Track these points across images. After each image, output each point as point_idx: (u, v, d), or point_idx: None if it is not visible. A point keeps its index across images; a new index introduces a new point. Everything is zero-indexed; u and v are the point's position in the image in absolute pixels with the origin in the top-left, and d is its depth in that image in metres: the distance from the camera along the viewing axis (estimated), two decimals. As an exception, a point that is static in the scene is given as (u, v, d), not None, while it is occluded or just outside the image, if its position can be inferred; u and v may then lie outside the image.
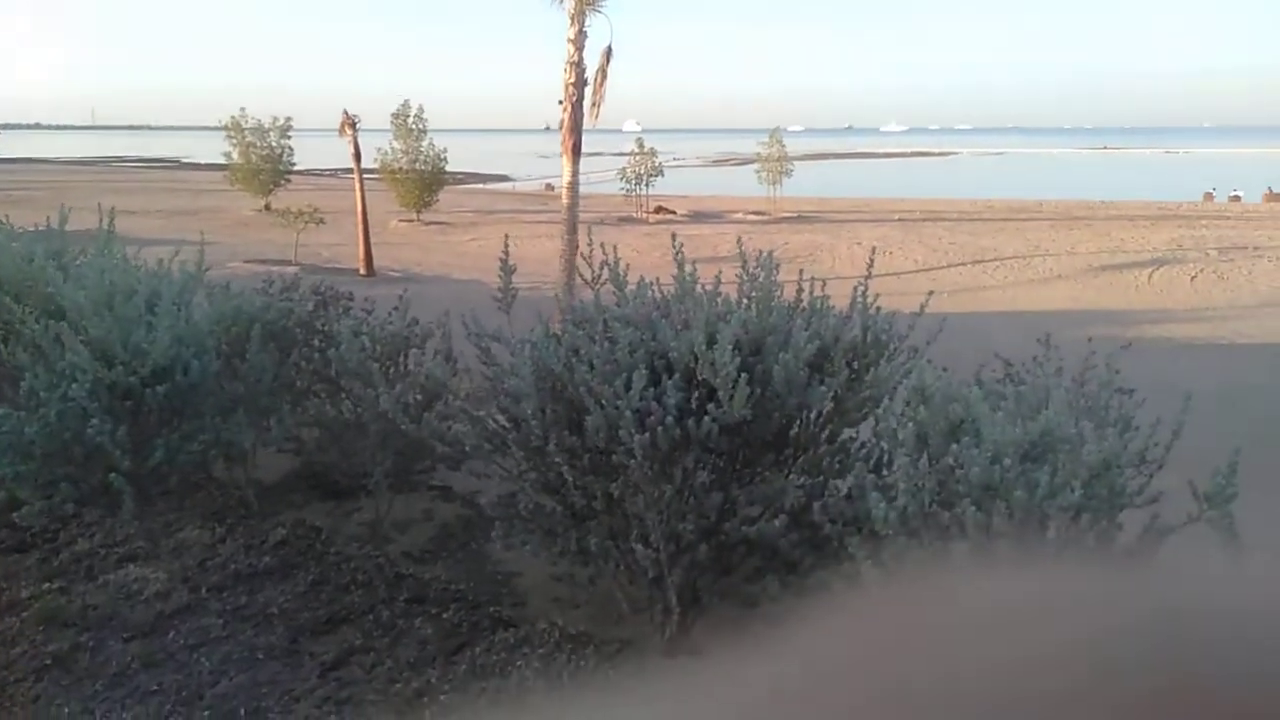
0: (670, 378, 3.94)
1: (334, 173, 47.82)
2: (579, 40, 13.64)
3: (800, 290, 4.41)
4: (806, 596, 3.89)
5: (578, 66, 13.67)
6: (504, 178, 59.56)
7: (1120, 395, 3.76)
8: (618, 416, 3.88)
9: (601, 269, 4.54)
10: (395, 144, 28.01)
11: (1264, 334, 14.62)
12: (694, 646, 4.24)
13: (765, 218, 31.39)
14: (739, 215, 32.10)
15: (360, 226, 19.56)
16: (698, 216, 31.72)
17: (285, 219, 20.94)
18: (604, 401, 3.94)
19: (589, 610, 4.66)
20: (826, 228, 28.76)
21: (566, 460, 4.11)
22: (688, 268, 4.38)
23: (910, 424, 3.54)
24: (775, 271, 4.28)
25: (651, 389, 3.89)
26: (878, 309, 4.31)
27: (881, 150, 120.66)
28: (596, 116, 14.19)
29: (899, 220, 30.97)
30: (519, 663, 4.01)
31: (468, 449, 4.54)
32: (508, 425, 4.39)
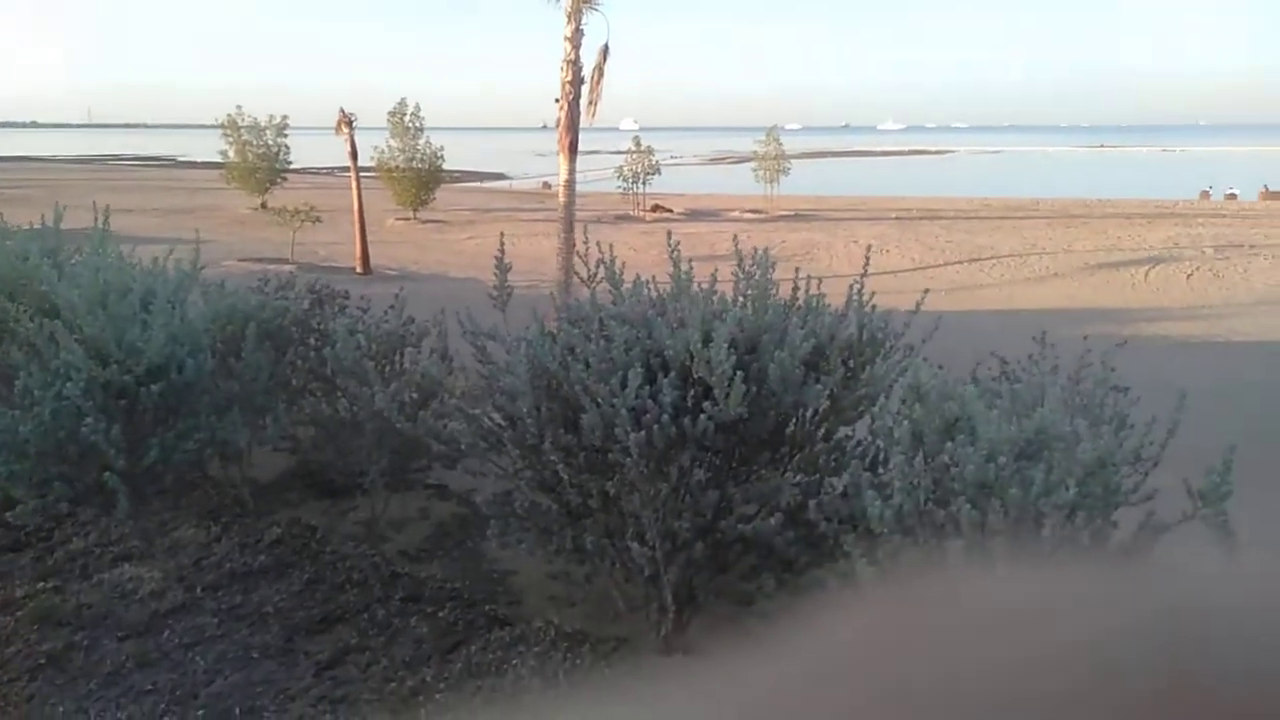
0: (666, 376, 3.94)
1: (331, 171, 47.77)
2: (575, 38, 13.63)
3: (796, 288, 4.41)
4: (802, 594, 3.89)
5: (574, 65, 13.66)
6: (501, 176, 59.53)
7: (1115, 393, 3.76)
8: (613, 415, 3.88)
9: (597, 267, 4.54)
10: (392, 142, 27.97)
11: (1260, 332, 14.64)
12: (690, 645, 4.24)
13: (762, 216, 31.38)
14: (736, 213, 32.09)
15: (357, 225, 19.53)
16: (695, 215, 31.71)
17: (281, 217, 20.90)
18: (599, 400, 3.94)
19: (585, 608, 4.66)
20: (823, 226, 28.76)
21: (562, 458, 4.11)
22: (684, 266, 4.38)
23: (905, 422, 3.54)
24: (771, 270, 4.28)
25: (647, 387, 3.89)
26: (873, 307, 4.31)
27: (878, 148, 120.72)
28: (593, 115, 14.18)
29: (896, 218, 30.99)
30: (514, 661, 4.01)
31: (463, 447, 4.54)
32: (503, 423, 4.38)
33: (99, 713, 3.74)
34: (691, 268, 4.40)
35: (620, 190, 33.48)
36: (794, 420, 4.27)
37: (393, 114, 27.87)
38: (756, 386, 3.94)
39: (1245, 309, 16.55)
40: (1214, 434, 4.03)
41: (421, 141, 28.13)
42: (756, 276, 4.24)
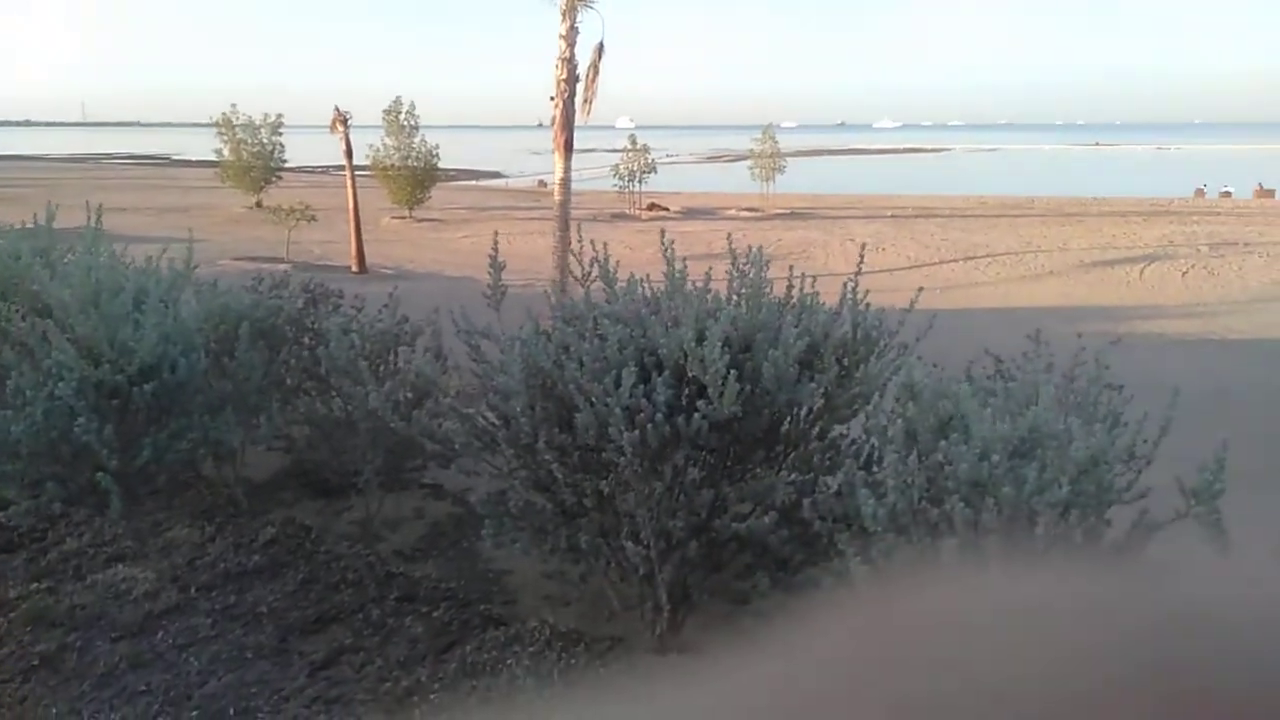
0: (660, 375, 3.93)
1: (326, 170, 47.69)
2: (570, 36, 13.62)
3: (790, 287, 4.41)
4: (797, 593, 3.89)
5: (569, 63, 13.65)
6: (497, 174, 59.48)
7: (1109, 391, 3.76)
8: (607, 414, 3.87)
9: (591, 266, 4.53)
10: (387, 141, 27.93)
11: (1255, 329, 14.68)
12: (685, 644, 4.24)
13: (758, 214, 31.39)
14: (732, 212, 32.09)
15: (352, 223, 19.50)
16: (691, 213, 31.71)
17: (277, 216, 20.87)
18: (594, 399, 3.94)
19: (580, 608, 4.65)
20: (819, 224, 28.78)
21: (556, 458, 4.10)
22: (678, 264, 4.38)
23: (899, 420, 3.54)
24: (765, 268, 4.28)
25: (641, 386, 3.88)
26: (867, 305, 4.31)
27: (874, 146, 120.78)
28: (588, 113, 14.17)
29: (892, 217, 31.01)
30: (509, 661, 4.00)
31: (458, 447, 4.53)
32: (498, 423, 4.38)
33: (92, 714, 3.73)
34: (686, 266, 4.40)
35: (616, 188, 33.47)
36: (788, 419, 4.27)
37: (388, 112, 27.84)
38: (751, 385, 3.94)
39: (1240, 307, 16.60)
40: (1209, 433, 4.03)
41: (417, 140, 28.10)
42: (751, 275, 4.24)
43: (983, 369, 4.12)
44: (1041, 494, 3.06)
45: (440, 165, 29.57)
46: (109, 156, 77.88)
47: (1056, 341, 4.14)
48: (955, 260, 22.03)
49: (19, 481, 4.85)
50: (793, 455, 4.32)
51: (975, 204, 36.25)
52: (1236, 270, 20.31)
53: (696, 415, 3.84)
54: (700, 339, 3.89)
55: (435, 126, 30.68)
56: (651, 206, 32.98)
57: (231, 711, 3.76)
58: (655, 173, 33.86)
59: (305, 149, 41.60)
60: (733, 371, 3.81)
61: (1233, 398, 9.77)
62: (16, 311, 4.91)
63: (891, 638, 0.26)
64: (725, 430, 4.02)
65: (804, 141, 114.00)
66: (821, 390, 4.12)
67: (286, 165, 32.81)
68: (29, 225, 6.34)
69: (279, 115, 31.25)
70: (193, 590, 4.62)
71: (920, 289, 4.52)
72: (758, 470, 4.25)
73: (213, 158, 32.22)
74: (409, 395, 5.06)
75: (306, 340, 5.66)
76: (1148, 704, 0.21)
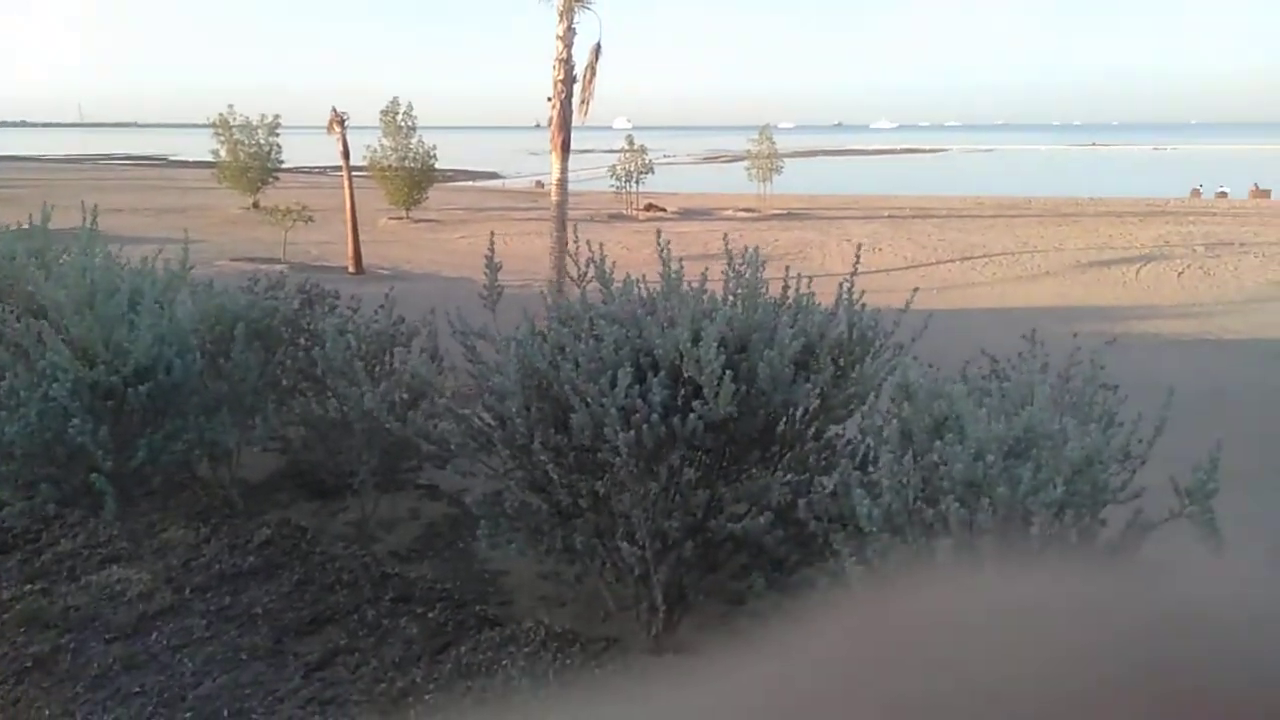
0: (656, 375, 3.93)
1: (323, 170, 47.65)
2: (567, 37, 13.61)
3: (786, 287, 4.41)
4: (792, 593, 3.89)
5: (566, 63, 13.64)
6: (494, 175, 59.47)
7: (1105, 391, 3.76)
8: (603, 414, 3.87)
9: (587, 266, 4.53)
10: (384, 141, 27.91)
11: (1250, 329, 14.71)
12: (680, 644, 4.24)
13: (755, 215, 31.41)
14: (729, 212, 32.11)
15: (349, 224, 19.48)
16: (688, 214, 31.72)
17: (274, 217, 20.86)
18: (589, 399, 3.93)
19: (575, 608, 4.65)
20: (816, 224, 28.80)
21: (552, 458, 4.10)
22: (674, 265, 4.37)
23: (895, 421, 3.54)
24: (761, 269, 4.28)
25: (637, 386, 3.88)
26: (863, 306, 4.31)
27: (871, 147, 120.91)
28: (585, 113, 14.17)
29: (889, 217, 31.04)
30: (505, 661, 3.99)
31: (454, 447, 4.52)
32: (493, 423, 4.37)
33: (86, 715, 3.72)
34: (682, 267, 4.40)
35: (613, 189, 33.48)
36: (784, 419, 4.26)
37: (385, 113, 27.82)
38: (746, 385, 3.94)
39: (1236, 307, 16.63)
40: (1205, 431, 4.04)
41: (414, 140, 28.09)
42: (747, 275, 4.24)
43: (978, 369, 4.12)
44: (1036, 494, 3.06)
45: (437, 166, 29.56)
46: (106, 157, 77.78)
47: (1052, 341, 4.14)
48: (952, 260, 22.05)
49: (13, 482, 4.84)
50: (788, 455, 4.31)
51: (972, 204, 36.29)
52: (1232, 270, 20.35)
53: (692, 416, 3.84)
54: (696, 339, 3.89)
55: (432, 127, 30.65)
56: (649, 207, 32.99)
57: (226, 713, 3.75)
58: (652, 173, 33.89)
59: (302, 150, 41.57)
60: (728, 372, 3.81)
61: (1228, 398, 9.79)
62: (11, 312, 4.90)
63: (887, 638, 0.26)
64: (721, 431, 4.02)
65: (801, 142, 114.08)
66: (817, 390, 4.12)
67: (284, 166, 32.79)
68: (24, 226, 6.33)
69: (276, 116, 31.24)
70: (187, 591, 4.61)
71: (916, 289, 4.52)
72: (753, 471, 4.25)
73: (210, 158, 32.18)
74: (405, 396, 5.06)
75: (302, 341, 5.66)
76: (1142, 704, 0.21)
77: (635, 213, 31.89)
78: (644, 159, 33.06)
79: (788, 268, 4.56)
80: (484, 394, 4.41)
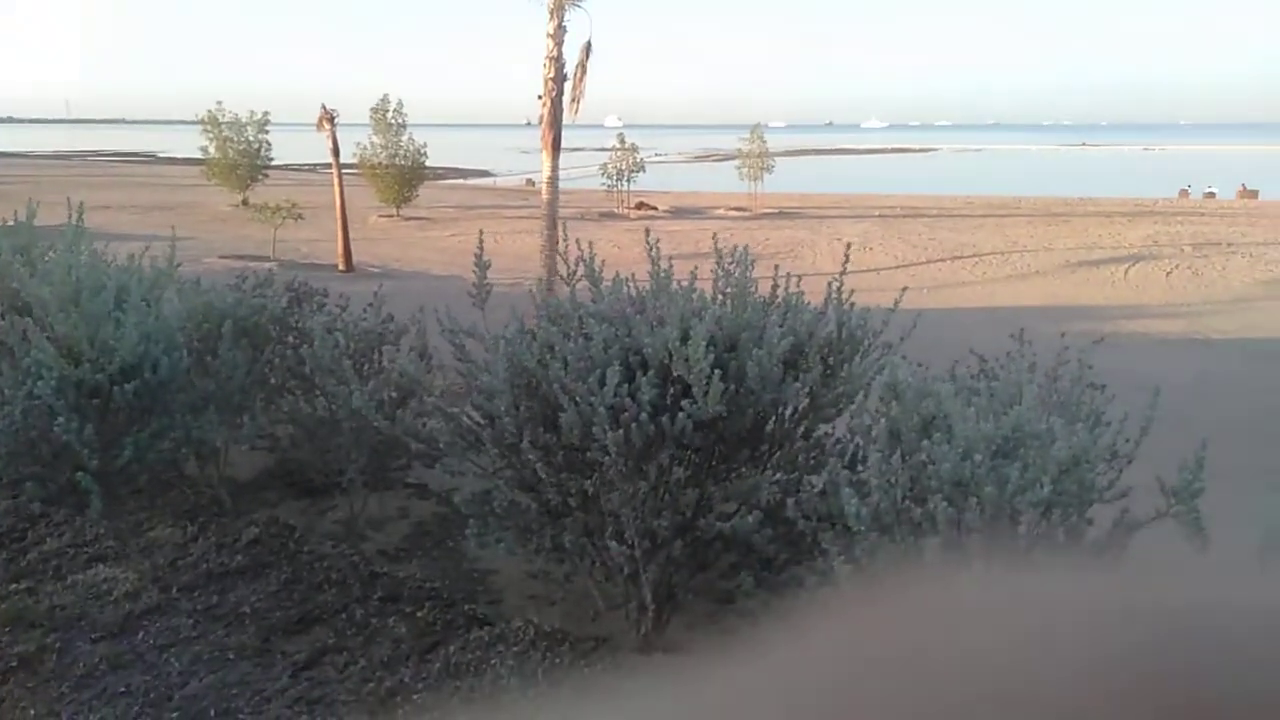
0: (645, 374, 3.93)
1: (313, 168, 47.45)
2: (558, 35, 13.58)
3: (775, 286, 4.41)
4: (781, 592, 3.90)
5: (557, 61, 13.62)
6: (485, 173, 59.36)
7: (1092, 390, 3.78)
8: (592, 413, 3.87)
9: (577, 265, 4.52)
10: (374, 139, 27.82)
11: (1237, 329, 14.80)
12: (669, 643, 4.24)
13: (746, 214, 31.43)
14: (720, 211, 32.13)
15: (339, 222, 19.41)
16: (679, 212, 31.73)
17: (263, 214, 20.76)
18: (578, 398, 3.93)
19: (564, 607, 4.65)
20: (807, 223, 28.84)
21: (541, 457, 4.09)
22: (664, 264, 4.37)
23: (883, 420, 3.55)
24: (750, 268, 4.28)
25: (626, 385, 3.88)
26: (852, 305, 4.31)
27: (862, 146, 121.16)
28: (576, 111, 14.14)
29: (879, 216, 31.11)
30: (493, 661, 3.98)
31: (443, 446, 4.51)
32: (482, 422, 4.36)
33: (71, 715, 3.69)
34: (671, 266, 4.40)
35: (604, 187, 33.44)
36: (773, 418, 4.27)
37: (375, 110, 27.72)
38: (735, 384, 3.94)
39: (1223, 306, 16.73)
40: (1190, 431, 4.06)
41: (404, 138, 28.00)
42: (736, 274, 4.24)
43: (967, 369, 4.13)
44: (1024, 493, 3.07)
45: (428, 163, 29.48)
46: (94, 153, 77.28)
47: (1041, 341, 4.16)
48: (942, 260, 22.12)
49: (-2, 481, 4.81)
50: (777, 455, 4.32)
51: (962, 204, 36.40)
52: (1220, 270, 20.47)
53: (681, 415, 3.83)
54: (685, 338, 3.89)
55: (423, 124, 30.56)
56: (640, 205, 32.97)
57: (213, 712, 3.73)
58: (644, 172, 33.84)
59: (292, 147, 41.40)
60: (717, 371, 3.81)
61: (1215, 397, 9.85)
62: (-5, 310, 4.87)
63: (876, 636, 0.26)
64: (710, 430, 4.02)
65: (792, 141, 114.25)
66: (806, 390, 4.12)
67: (273, 163, 32.62)
68: (10, 223, 6.28)
69: (265, 113, 31.07)
70: (174, 590, 4.58)
71: (905, 288, 4.53)
72: (742, 470, 4.25)
73: (198, 155, 31.99)
74: (393, 394, 5.04)
75: (291, 339, 5.63)
76: (1148, 713, 0.21)
77: (626, 211, 31.87)
78: (635, 157, 33.02)
79: (777, 266, 4.56)
80: (473, 393, 4.40)
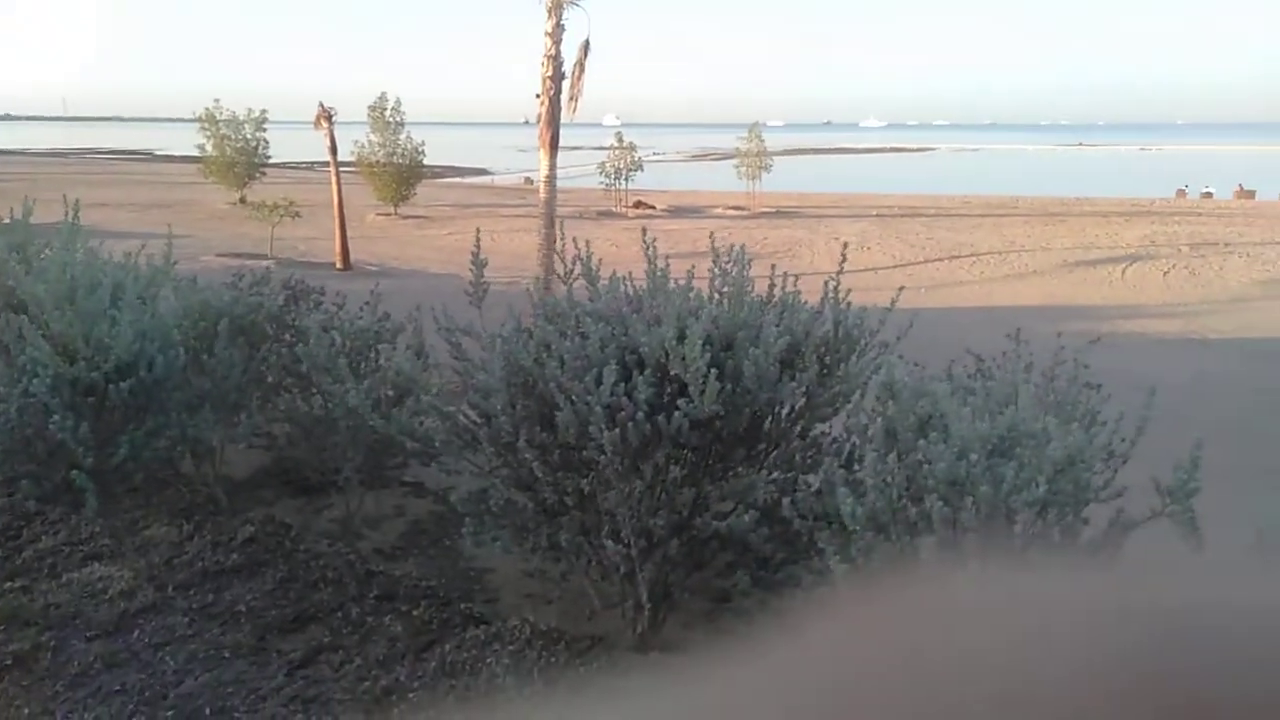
0: (641, 373, 3.93)
1: (310, 166, 47.40)
2: (556, 34, 13.57)
3: (772, 285, 4.41)
4: (777, 591, 3.90)
5: (555, 60, 13.61)
6: (483, 171, 59.33)
7: (1088, 390, 3.78)
8: (588, 412, 3.86)
9: (574, 264, 4.52)
10: (372, 137, 27.79)
11: (1235, 329, 14.82)
12: (665, 642, 4.24)
13: (744, 213, 31.43)
14: (718, 210, 32.13)
15: (337, 220, 19.39)
16: (677, 211, 31.73)
17: (260, 212, 20.72)
18: (574, 397, 3.93)
19: (560, 606, 4.65)
20: (805, 223, 28.86)
21: (537, 456, 4.09)
22: (662, 263, 4.37)
23: (880, 419, 3.55)
24: (747, 267, 4.28)
25: (622, 384, 3.88)
26: (848, 304, 4.31)
27: (860, 146, 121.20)
28: (574, 110, 14.14)
29: (877, 216, 31.12)
30: (489, 660, 3.98)
31: (439, 445, 4.51)
32: (479, 421, 4.36)
33: (66, 714, 3.69)
34: (668, 264, 4.39)
35: (603, 186, 33.43)
36: (769, 417, 4.27)
37: (373, 108, 27.69)
38: (732, 384, 3.94)
39: (1220, 306, 16.76)
40: (1186, 430, 4.06)
41: (402, 136, 27.97)
42: (733, 274, 4.24)
43: (963, 368, 4.13)
44: (1019, 493, 3.08)
45: (426, 162, 29.45)
46: (91, 151, 77.12)
47: (1037, 340, 4.16)
48: (940, 259, 22.13)
49: (-7, 479, 4.80)
50: (774, 454, 4.32)
51: (960, 203, 36.43)
52: (1217, 270, 20.51)
53: (677, 414, 3.83)
54: (681, 337, 3.89)
55: (421, 123, 30.52)
56: (638, 204, 32.96)
57: (208, 711, 3.73)
58: (642, 170, 33.84)
59: (290, 145, 41.34)
60: (714, 370, 3.81)
61: (1212, 397, 9.86)
62: (-9, 307, 4.85)
63: (872, 635, 0.26)
64: (706, 429, 4.02)
65: (790, 140, 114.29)
66: (802, 389, 4.12)
67: (271, 161, 32.59)
68: (6, 220, 6.26)
69: (263, 110, 31.03)
70: (170, 589, 4.57)
71: (902, 288, 4.53)
72: (739, 469, 4.25)
73: (196, 153, 31.94)
74: (390, 393, 5.04)
75: (287, 337, 5.63)
76: (1148, 714, 0.21)
77: (624, 210, 31.86)
78: (633, 156, 33.01)
79: (774, 266, 4.56)
80: (469, 391, 4.39)
